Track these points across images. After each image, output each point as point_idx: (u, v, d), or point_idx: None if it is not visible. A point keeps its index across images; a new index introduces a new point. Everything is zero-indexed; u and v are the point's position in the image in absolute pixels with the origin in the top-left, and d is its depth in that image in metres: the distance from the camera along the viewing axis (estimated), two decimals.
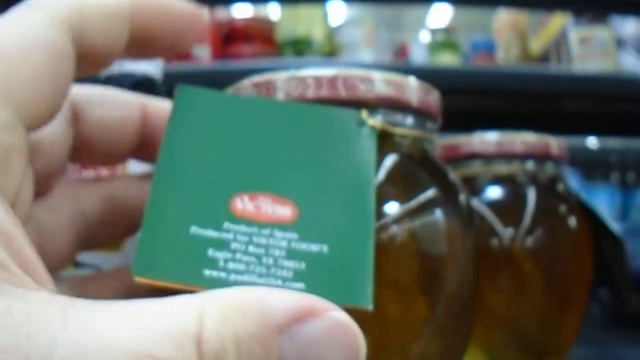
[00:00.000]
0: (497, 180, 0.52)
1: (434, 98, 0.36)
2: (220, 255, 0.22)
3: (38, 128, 0.21)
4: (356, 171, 0.26)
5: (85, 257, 0.45)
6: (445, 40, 1.48)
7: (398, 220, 0.31)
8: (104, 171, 0.36)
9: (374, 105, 0.32)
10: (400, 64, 1.38)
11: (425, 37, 1.51)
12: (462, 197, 0.36)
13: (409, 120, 0.34)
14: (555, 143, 0.53)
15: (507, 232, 0.50)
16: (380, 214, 0.31)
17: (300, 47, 1.34)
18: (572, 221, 0.52)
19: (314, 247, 0.23)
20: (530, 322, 0.50)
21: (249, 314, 0.17)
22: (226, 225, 0.22)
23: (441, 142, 0.54)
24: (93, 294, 0.27)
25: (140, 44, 0.25)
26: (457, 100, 1.24)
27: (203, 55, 1.36)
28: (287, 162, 0.25)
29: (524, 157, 0.52)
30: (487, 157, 0.52)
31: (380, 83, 0.32)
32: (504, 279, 0.50)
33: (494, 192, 0.52)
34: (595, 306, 0.80)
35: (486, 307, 0.50)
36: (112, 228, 0.29)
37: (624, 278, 0.55)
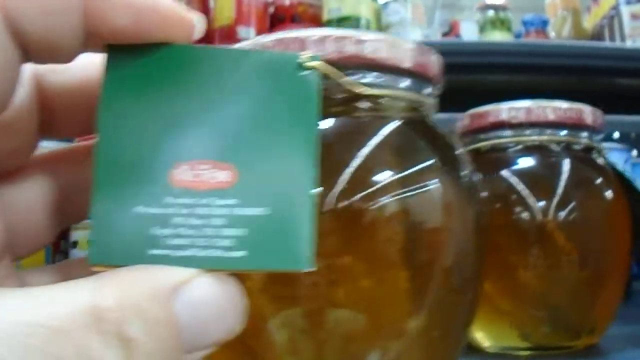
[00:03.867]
0: (528, 150, 0.50)
1: (432, 61, 0.34)
2: (164, 232, 0.21)
3: None
4: (296, 124, 0.24)
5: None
6: (496, 18, 1.45)
7: (387, 189, 0.30)
8: None
9: (365, 66, 0.31)
10: (451, 42, 1.35)
11: (476, 16, 1.48)
12: (465, 170, 0.34)
13: (404, 83, 0.33)
14: (589, 111, 0.50)
15: (539, 205, 0.47)
16: (370, 182, 0.30)
17: (346, 26, 1.32)
18: (608, 193, 0.50)
19: (254, 212, 0.22)
20: (563, 298, 0.48)
21: (143, 282, 0.19)
22: (167, 199, 0.22)
23: (468, 112, 0.52)
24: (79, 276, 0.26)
25: (101, 39, 0.22)
26: (509, 76, 1.21)
27: (248, 37, 1.35)
28: (223, 120, 0.23)
29: (556, 125, 0.49)
30: (517, 126, 0.50)
31: (372, 43, 0.31)
32: (535, 253, 0.47)
33: (525, 163, 0.50)
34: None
35: (517, 283, 0.48)
36: None
37: None
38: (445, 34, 1.45)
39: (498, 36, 1.45)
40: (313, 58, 0.25)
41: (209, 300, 0.20)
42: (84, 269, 0.27)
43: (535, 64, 1.19)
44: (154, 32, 0.23)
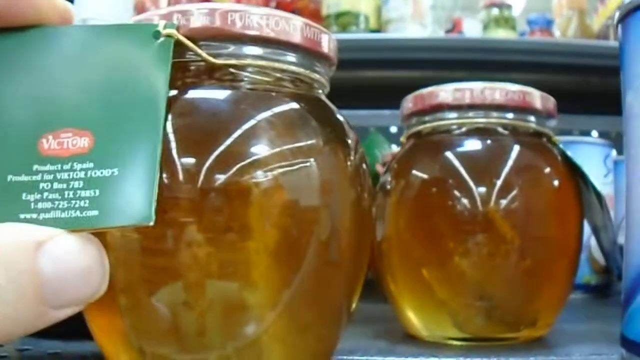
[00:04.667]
0: (472, 133, 0.48)
1: (323, 39, 0.34)
2: (32, 197, 0.23)
3: None
4: (147, 88, 0.26)
5: None
6: (500, 16, 1.43)
7: (262, 163, 0.30)
8: None
9: (251, 40, 0.32)
10: (451, 39, 1.33)
11: (479, 14, 1.46)
12: (352, 154, 0.34)
13: (290, 58, 0.33)
14: (538, 95, 0.48)
15: (480, 190, 0.45)
16: (249, 155, 0.30)
17: (344, 22, 1.31)
18: (555, 180, 0.47)
19: (106, 173, 0.24)
20: (500, 289, 0.46)
21: (9, 235, 0.20)
22: (35, 167, 0.24)
23: (412, 94, 0.50)
24: None
25: None
26: (512, 75, 1.19)
27: None
28: (83, 91, 0.26)
29: (502, 108, 0.47)
30: (461, 108, 0.48)
31: (259, 17, 0.31)
32: (474, 240, 0.46)
33: (467, 146, 0.48)
34: None
35: (454, 271, 0.46)
36: None
37: (610, 243, 0.51)
38: (448, 32, 1.42)
39: (502, 34, 1.42)
40: (167, 26, 0.28)
41: (72, 257, 0.21)
42: None
43: (533, 62, 1.17)
44: (27, 14, 0.26)
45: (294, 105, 0.33)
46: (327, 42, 0.34)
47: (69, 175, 0.23)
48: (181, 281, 0.29)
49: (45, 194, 0.23)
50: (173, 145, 0.29)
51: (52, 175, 0.23)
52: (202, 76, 0.32)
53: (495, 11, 1.45)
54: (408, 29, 1.33)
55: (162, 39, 0.28)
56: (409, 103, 0.50)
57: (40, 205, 0.23)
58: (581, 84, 1.21)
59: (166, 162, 0.28)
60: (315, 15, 1.38)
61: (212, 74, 0.32)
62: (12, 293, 0.19)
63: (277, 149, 0.30)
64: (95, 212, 0.23)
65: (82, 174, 0.23)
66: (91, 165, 0.24)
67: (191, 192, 0.29)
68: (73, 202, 0.23)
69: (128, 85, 0.26)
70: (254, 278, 0.30)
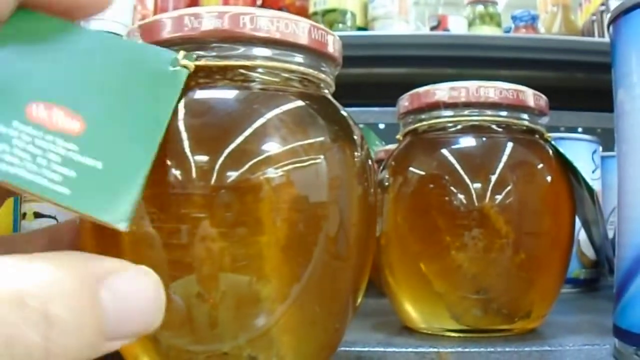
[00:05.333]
0: (467, 130, 0.49)
1: (332, 41, 0.35)
2: (1, 147, 0.23)
3: None
4: (153, 104, 0.27)
5: (44, 208, 0.50)
6: (485, 12, 1.44)
7: (271, 160, 0.31)
8: None
9: (260, 42, 0.33)
10: (440, 36, 1.34)
11: (464, 10, 1.47)
12: (358, 151, 0.35)
13: (298, 58, 0.34)
14: (530, 93, 0.49)
15: (475, 186, 0.47)
16: (260, 152, 0.31)
17: (331, 19, 1.32)
18: (548, 176, 0.49)
19: (89, 162, 0.24)
20: (495, 282, 0.47)
21: (72, 265, 0.20)
22: (15, 123, 0.23)
23: (409, 92, 0.51)
24: (21, 250, 0.28)
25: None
26: (499, 71, 1.20)
27: None
28: (89, 86, 0.26)
29: (496, 106, 0.49)
30: (456, 106, 0.49)
31: (268, 20, 0.32)
32: (469, 235, 0.47)
33: (463, 143, 0.49)
34: None
35: (450, 264, 0.47)
36: None
37: (602, 238, 0.52)
38: (433, 28, 1.44)
39: (487, 31, 1.44)
40: (186, 58, 0.29)
41: (133, 292, 0.21)
42: (25, 243, 0.29)
43: (519, 59, 1.18)
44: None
45: (303, 104, 0.33)
46: (333, 43, 0.35)
47: (48, 145, 0.23)
48: (195, 274, 0.30)
49: (16, 150, 0.23)
50: (188, 143, 0.30)
51: (30, 138, 0.23)
52: (215, 77, 0.32)
53: (480, 8, 1.46)
54: (394, 26, 1.34)
55: (177, 67, 0.29)
56: (405, 101, 0.51)
57: (6, 157, 0.23)
58: (567, 80, 1.22)
59: (181, 159, 0.30)
60: (301, 12, 1.38)
61: (225, 75, 0.33)
62: (73, 325, 0.19)
63: (288, 147, 0.31)
64: (65, 190, 0.23)
65: (62, 151, 0.24)
66: (75, 147, 0.24)
67: (205, 189, 0.30)
68: (44, 170, 0.23)
69: (135, 95, 0.27)
70: (265, 272, 0.31)
